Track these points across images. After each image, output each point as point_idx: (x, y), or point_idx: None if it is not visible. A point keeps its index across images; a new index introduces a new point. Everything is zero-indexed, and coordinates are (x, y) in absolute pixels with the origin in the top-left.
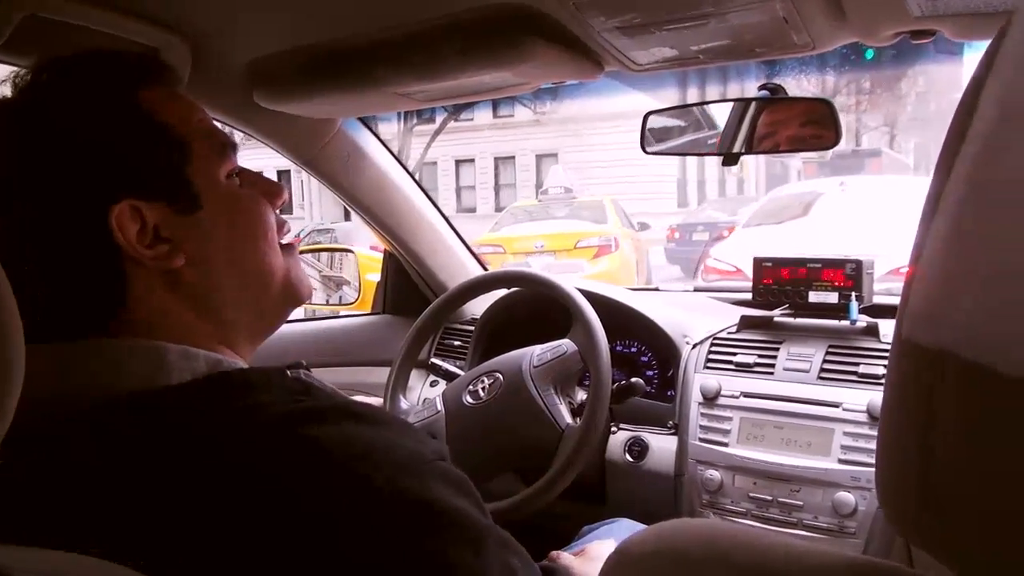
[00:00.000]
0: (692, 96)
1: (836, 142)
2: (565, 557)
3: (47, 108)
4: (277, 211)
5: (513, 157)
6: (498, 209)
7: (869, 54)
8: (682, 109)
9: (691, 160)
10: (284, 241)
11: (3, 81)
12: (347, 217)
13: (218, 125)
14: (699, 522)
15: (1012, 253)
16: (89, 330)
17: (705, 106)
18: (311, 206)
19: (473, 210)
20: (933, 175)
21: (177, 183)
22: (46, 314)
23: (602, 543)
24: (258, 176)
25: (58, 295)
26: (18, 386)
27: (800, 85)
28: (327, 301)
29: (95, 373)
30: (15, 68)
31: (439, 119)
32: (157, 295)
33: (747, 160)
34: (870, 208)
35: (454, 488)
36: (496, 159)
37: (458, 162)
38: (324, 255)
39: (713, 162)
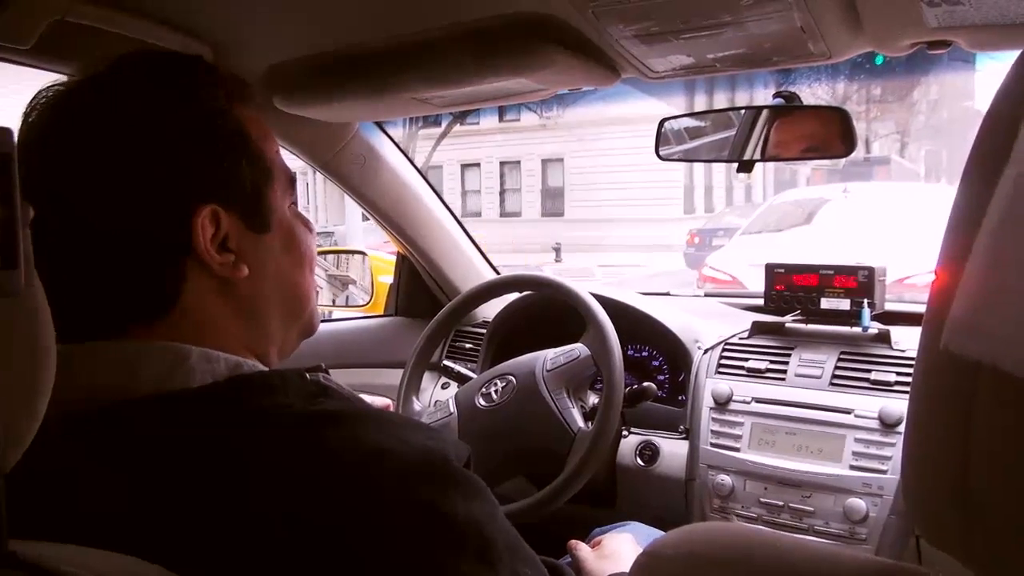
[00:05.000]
0: (700, 102)
1: (851, 151)
2: (583, 548)
3: (152, 103)
4: None
5: (519, 162)
6: (503, 214)
7: (879, 60)
8: (697, 116)
9: (698, 166)
10: None
11: (51, 85)
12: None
13: None
14: (726, 525)
15: None
16: (138, 324)
17: (720, 113)
18: (316, 210)
19: (478, 214)
20: (960, 185)
21: (258, 200)
22: (99, 308)
23: (617, 536)
24: (299, 211)
25: (117, 287)
26: (48, 387)
27: (811, 92)
28: (334, 301)
29: (116, 374)
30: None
31: (444, 123)
32: (209, 299)
33: (756, 167)
34: (874, 216)
35: (468, 493)
36: (502, 163)
37: (463, 166)
38: (331, 255)
39: (720, 168)
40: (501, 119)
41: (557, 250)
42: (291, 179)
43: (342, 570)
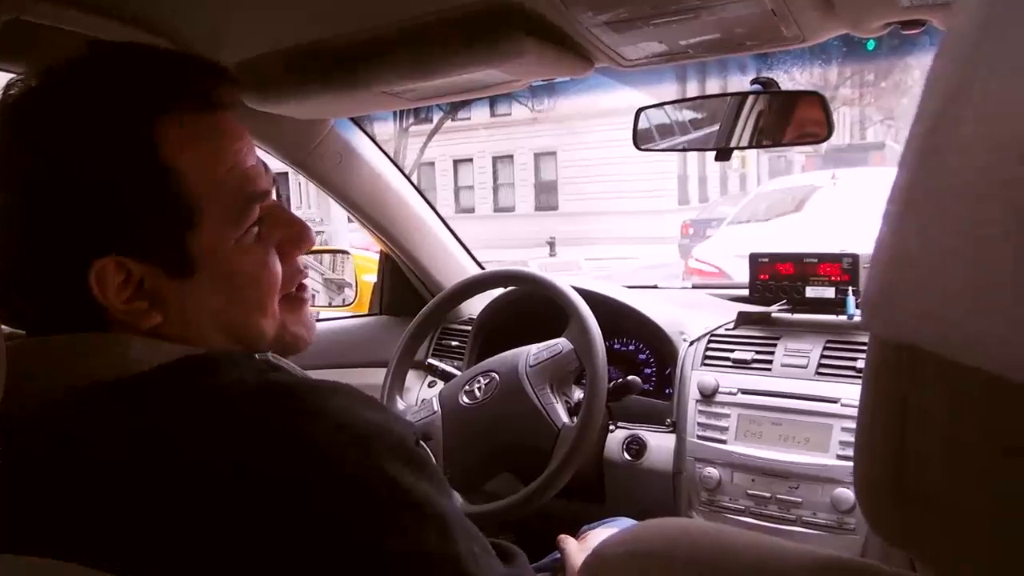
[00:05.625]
0: (692, 91)
1: (828, 135)
2: (570, 542)
3: (44, 131)
4: (296, 261)
5: (511, 156)
6: (497, 209)
7: (870, 45)
8: (674, 105)
9: (692, 156)
10: (295, 292)
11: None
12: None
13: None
14: (677, 521)
15: (955, 238)
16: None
17: (697, 101)
18: (308, 209)
19: (472, 210)
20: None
21: (173, 249)
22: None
23: (604, 532)
24: (285, 219)
25: (38, 307)
26: None
27: (802, 78)
28: (330, 303)
29: (57, 367)
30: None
31: (436, 118)
32: (130, 331)
33: (749, 155)
34: (863, 203)
35: (417, 469)
36: (494, 158)
37: (456, 162)
38: (326, 257)
39: (715, 158)
40: (492, 113)
41: (551, 244)
42: (247, 201)
43: (302, 543)
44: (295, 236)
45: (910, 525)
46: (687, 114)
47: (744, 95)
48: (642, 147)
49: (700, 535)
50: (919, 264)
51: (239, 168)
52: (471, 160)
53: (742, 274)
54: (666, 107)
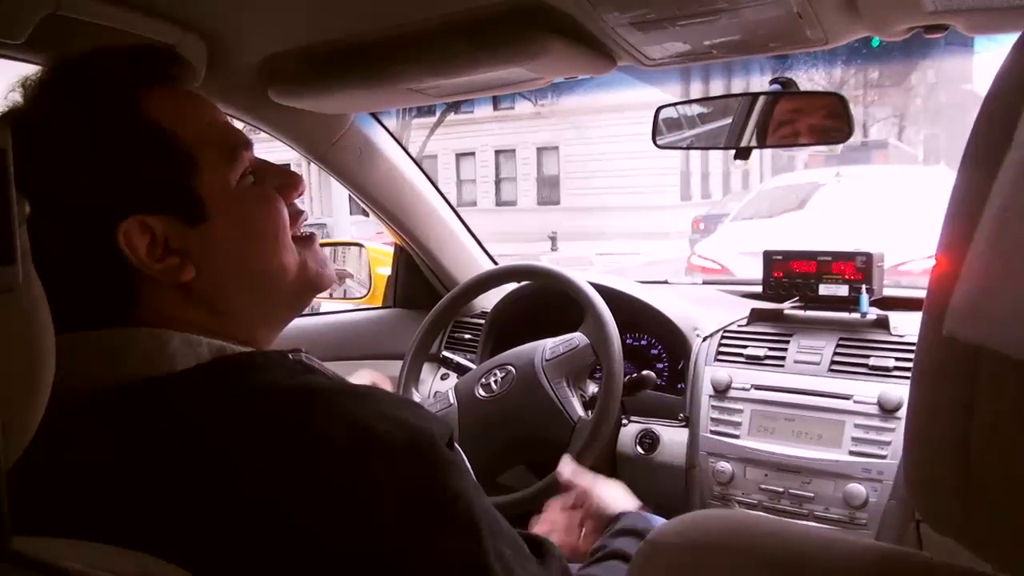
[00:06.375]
0: (696, 89)
1: (848, 136)
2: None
3: (48, 123)
4: (294, 202)
5: (514, 150)
6: (499, 203)
7: (874, 42)
8: (694, 103)
9: (694, 152)
10: (302, 232)
11: (12, 89)
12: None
13: (233, 123)
14: (728, 513)
15: None
16: (97, 325)
17: (717, 100)
18: (311, 201)
19: (474, 203)
20: (960, 170)
21: (183, 195)
22: (55, 309)
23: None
24: (274, 169)
25: (67, 296)
26: (48, 384)
27: (807, 77)
28: (331, 294)
29: (96, 363)
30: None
31: (438, 112)
32: (168, 300)
33: (753, 153)
34: (868, 201)
35: (452, 473)
36: (497, 152)
37: (458, 155)
38: (327, 248)
39: (717, 154)
40: (495, 107)
41: (553, 239)
42: (233, 148)
43: (330, 547)
44: (287, 181)
45: (977, 527)
46: (706, 113)
47: (764, 95)
48: (660, 144)
49: (753, 525)
50: (1011, 277)
51: (217, 122)
52: (473, 154)
53: (746, 271)
54: (685, 105)
